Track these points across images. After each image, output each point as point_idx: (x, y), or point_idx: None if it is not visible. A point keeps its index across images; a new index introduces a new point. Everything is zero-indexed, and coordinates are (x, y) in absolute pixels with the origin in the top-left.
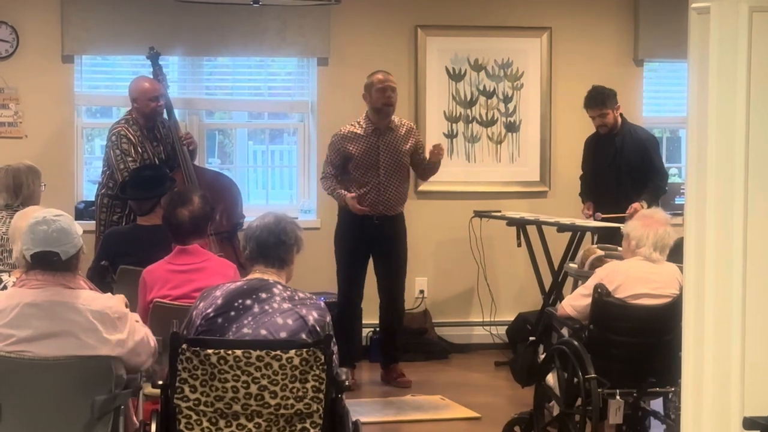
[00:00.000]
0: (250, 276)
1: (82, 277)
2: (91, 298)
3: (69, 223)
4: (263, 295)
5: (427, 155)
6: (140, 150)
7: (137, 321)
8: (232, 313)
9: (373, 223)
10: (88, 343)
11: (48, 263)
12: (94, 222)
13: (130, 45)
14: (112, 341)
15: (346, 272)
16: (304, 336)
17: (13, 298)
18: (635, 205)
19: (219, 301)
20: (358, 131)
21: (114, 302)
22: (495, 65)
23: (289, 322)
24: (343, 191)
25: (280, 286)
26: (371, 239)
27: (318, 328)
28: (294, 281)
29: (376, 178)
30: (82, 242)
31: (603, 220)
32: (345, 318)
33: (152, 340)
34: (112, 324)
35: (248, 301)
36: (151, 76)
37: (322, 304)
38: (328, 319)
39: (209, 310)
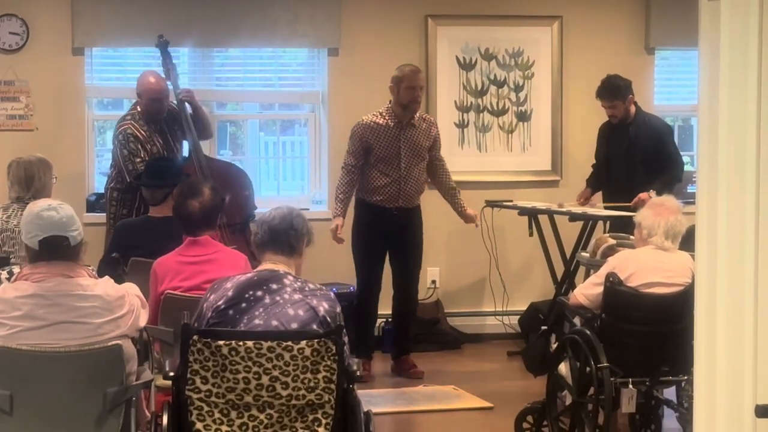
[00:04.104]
0: (260, 267)
1: (84, 266)
2: (92, 284)
3: (73, 211)
4: (274, 286)
5: (468, 211)
6: (149, 146)
7: (136, 294)
8: (243, 305)
9: (392, 215)
10: (99, 327)
11: (57, 248)
12: (105, 215)
13: (140, 37)
14: (119, 322)
15: (365, 263)
16: (315, 327)
17: (18, 290)
18: (642, 195)
19: (230, 293)
20: (381, 122)
21: (112, 288)
22: (506, 54)
23: (300, 312)
24: (339, 214)
25: (290, 277)
26: (389, 230)
27: (329, 319)
28: (305, 272)
29: (397, 171)
30: (83, 233)
31: (611, 209)
32: (364, 308)
33: (141, 300)
34: (116, 305)
35: (259, 293)
36: (161, 65)
37: (333, 294)
38: (339, 309)
39: (220, 302)
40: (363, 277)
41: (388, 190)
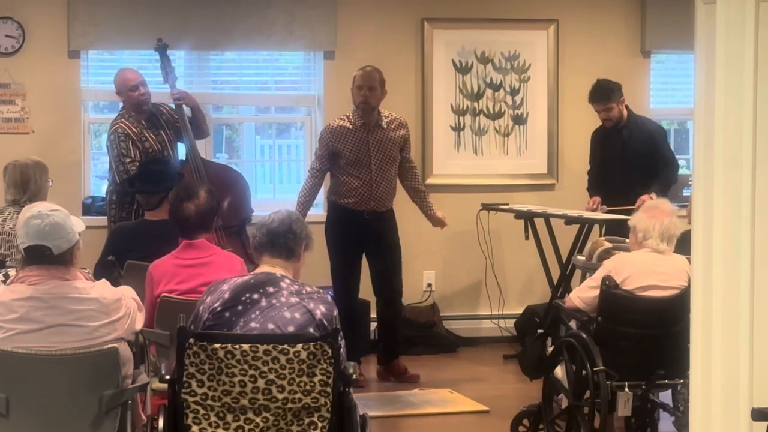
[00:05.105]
0: (257, 270)
1: (80, 269)
2: (88, 287)
3: (64, 218)
4: (270, 289)
5: (437, 214)
6: (140, 143)
7: (132, 297)
8: (240, 308)
9: (364, 219)
10: (96, 330)
11: (40, 257)
12: (101, 217)
13: (136, 40)
14: (115, 325)
15: (340, 269)
16: (311, 330)
17: (14, 293)
18: (644, 197)
19: (226, 296)
20: (348, 125)
21: (108, 291)
22: (502, 58)
23: (297, 316)
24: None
25: (287, 280)
26: (362, 235)
27: (325, 322)
28: (302, 274)
29: (368, 174)
30: (78, 238)
31: (612, 212)
32: (344, 313)
33: (138, 303)
34: (113, 308)
35: (255, 295)
36: (159, 69)
37: (330, 298)
38: (335, 312)
39: (216, 305)
40: (338, 283)
41: (360, 192)
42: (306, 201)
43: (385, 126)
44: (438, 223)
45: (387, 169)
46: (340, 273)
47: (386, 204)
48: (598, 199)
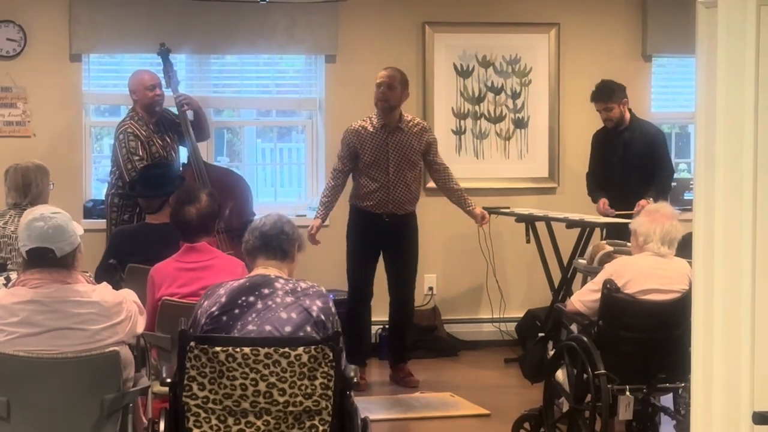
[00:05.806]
0: (252, 273)
1: (81, 273)
2: (89, 291)
3: (66, 221)
4: (266, 291)
5: (476, 210)
6: (147, 146)
7: (134, 300)
8: (237, 311)
9: (383, 221)
10: (97, 334)
11: (43, 259)
12: (103, 221)
13: (138, 43)
14: (117, 328)
15: (356, 268)
16: (309, 328)
17: (15, 296)
18: (642, 202)
19: (223, 299)
20: (368, 127)
21: (109, 295)
22: (503, 61)
23: (293, 315)
24: (318, 216)
25: (282, 280)
26: (381, 237)
27: (323, 317)
28: (303, 278)
29: (385, 177)
30: (79, 241)
31: (618, 216)
32: (355, 315)
33: (139, 306)
34: (114, 311)
35: (251, 298)
36: (162, 73)
37: (324, 290)
38: (332, 304)
39: (213, 309)
40: (353, 282)
41: (377, 195)
42: (327, 201)
43: (405, 129)
44: (478, 219)
45: (405, 172)
46: (356, 275)
47: (405, 207)
48: (605, 200)
